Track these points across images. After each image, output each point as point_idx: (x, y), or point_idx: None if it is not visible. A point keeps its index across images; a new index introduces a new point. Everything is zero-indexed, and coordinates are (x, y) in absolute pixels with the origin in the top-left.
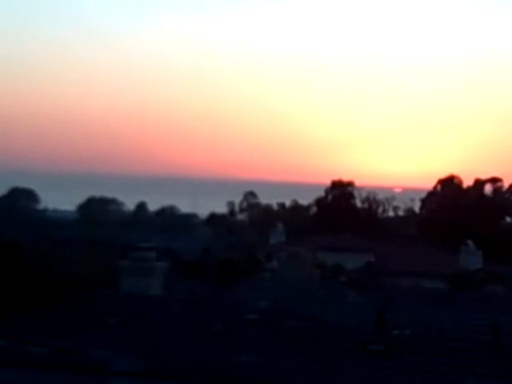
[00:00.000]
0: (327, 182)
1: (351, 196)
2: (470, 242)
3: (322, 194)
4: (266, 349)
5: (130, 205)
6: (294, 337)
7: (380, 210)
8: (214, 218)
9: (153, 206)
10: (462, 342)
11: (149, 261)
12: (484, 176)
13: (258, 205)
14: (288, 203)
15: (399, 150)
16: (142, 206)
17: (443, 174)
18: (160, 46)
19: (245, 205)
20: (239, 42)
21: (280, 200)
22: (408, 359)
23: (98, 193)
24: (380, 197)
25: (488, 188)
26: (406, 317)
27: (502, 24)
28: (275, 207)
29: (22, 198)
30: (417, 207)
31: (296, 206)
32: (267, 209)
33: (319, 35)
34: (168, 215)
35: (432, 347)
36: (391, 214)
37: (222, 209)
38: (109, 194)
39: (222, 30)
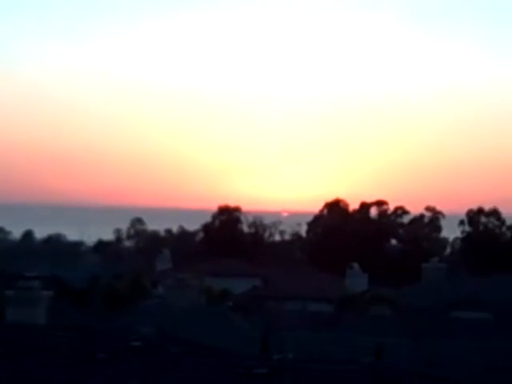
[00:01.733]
0: (214, 207)
1: (238, 221)
2: (355, 265)
3: (208, 219)
4: (150, 375)
5: (17, 234)
6: (178, 362)
7: (267, 234)
8: (101, 245)
9: (40, 235)
10: (345, 364)
11: (34, 290)
12: (369, 199)
13: (144, 231)
14: (175, 229)
15: (286, 175)
16: (28, 235)
17: (329, 198)
18: (43, 77)
19: (132, 232)
20: (122, 73)
21: (167, 226)
22: (290, 383)
23: None
24: (267, 221)
25: (373, 211)
26: (291, 340)
27: (383, 44)
28: (162, 233)
29: None
30: (303, 231)
31: (183, 232)
32: (154, 235)
33: (203, 62)
34: (55, 243)
35: (315, 370)
36: (278, 238)
37: (109, 236)
38: None
39: (106, 60)
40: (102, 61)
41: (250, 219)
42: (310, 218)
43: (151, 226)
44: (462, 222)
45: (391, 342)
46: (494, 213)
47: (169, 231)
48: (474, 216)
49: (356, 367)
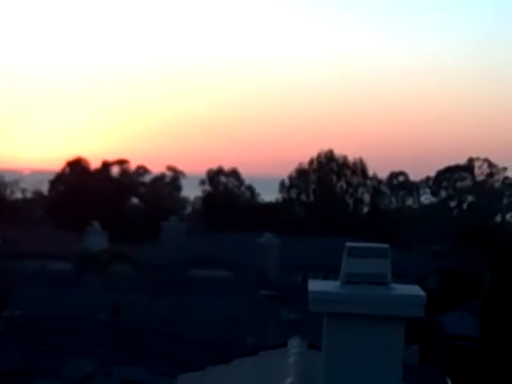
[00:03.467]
0: None
1: None
2: (95, 224)
3: None
4: None
5: None
6: None
7: (8, 192)
8: None
9: None
10: (80, 321)
11: None
12: (111, 158)
13: None
14: None
15: (27, 132)
16: None
17: (71, 157)
18: None
19: None
20: None
21: None
22: (18, 340)
23: None
24: (8, 179)
25: (115, 170)
26: (30, 298)
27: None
28: None
29: None
30: (45, 190)
31: None
32: None
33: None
34: None
35: (48, 328)
36: (19, 196)
37: None
38: None
39: None
40: None
41: None
42: (52, 177)
43: None
44: (202, 182)
45: (130, 299)
46: (234, 173)
47: None
48: (214, 176)
49: (91, 324)
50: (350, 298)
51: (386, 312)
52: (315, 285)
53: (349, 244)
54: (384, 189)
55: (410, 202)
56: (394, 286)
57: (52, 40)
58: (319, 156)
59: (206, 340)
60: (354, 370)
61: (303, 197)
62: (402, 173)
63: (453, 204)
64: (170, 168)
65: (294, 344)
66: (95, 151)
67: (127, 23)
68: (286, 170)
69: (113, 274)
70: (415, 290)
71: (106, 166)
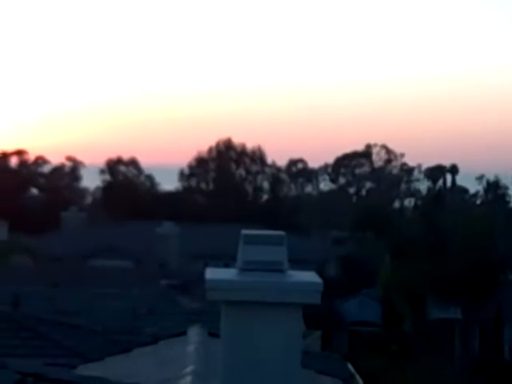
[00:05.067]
0: None
1: None
2: None
3: None
4: None
5: None
6: None
7: None
8: None
9: None
10: None
11: None
12: (9, 148)
13: None
14: None
15: None
16: None
17: None
18: None
19: None
20: None
21: None
22: None
23: None
24: None
25: (14, 160)
26: None
27: None
28: None
29: None
30: None
31: None
32: None
33: None
34: None
35: None
36: None
37: None
38: None
39: None
40: None
41: None
42: None
43: None
44: (102, 172)
45: (29, 291)
46: (133, 162)
47: None
48: (114, 165)
49: None
50: (247, 286)
51: (282, 299)
52: (212, 273)
53: (244, 231)
54: (283, 176)
55: (309, 189)
56: (291, 273)
57: None
58: (218, 144)
59: (106, 330)
60: (253, 357)
61: (203, 185)
62: (300, 160)
63: (352, 190)
64: (70, 158)
65: (194, 332)
66: None
67: None
68: (184, 159)
69: (13, 266)
70: (311, 276)
71: (5, 156)
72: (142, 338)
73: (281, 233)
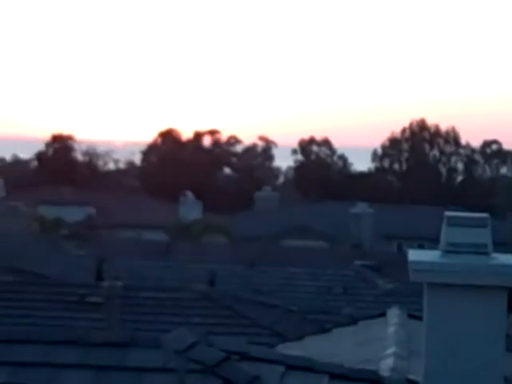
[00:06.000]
0: (48, 136)
1: (71, 149)
2: (188, 194)
3: (42, 147)
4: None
5: None
6: (12, 291)
7: (101, 163)
8: None
9: None
10: (178, 292)
11: None
12: (203, 129)
13: None
14: (8, 158)
15: (119, 103)
16: None
17: (163, 128)
18: None
19: None
20: None
21: (0, 155)
22: (120, 311)
23: None
24: (100, 150)
25: (207, 140)
26: (125, 269)
27: None
28: None
29: None
30: (138, 160)
31: (16, 161)
32: None
33: None
34: None
35: (148, 298)
36: (112, 167)
37: None
38: None
39: None
40: None
41: (84, 148)
42: (143, 147)
43: None
44: (294, 152)
45: (224, 269)
46: (326, 142)
47: (2, 160)
48: (306, 145)
49: (188, 294)
50: (451, 268)
51: (487, 282)
52: (415, 254)
53: (448, 213)
54: (477, 157)
55: (503, 170)
56: (495, 255)
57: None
58: (411, 125)
59: (302, 310)
60: (456, 340)
61: (396, 166)
62: (495, 141)
63: None
64: (262, 138)
65: (394, 314)
66: (187, 122)
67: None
68: (377, 140)
69: (206, 245)
70: None
71: (198, 136)
72: (339, 318)
73: (485, 215)
